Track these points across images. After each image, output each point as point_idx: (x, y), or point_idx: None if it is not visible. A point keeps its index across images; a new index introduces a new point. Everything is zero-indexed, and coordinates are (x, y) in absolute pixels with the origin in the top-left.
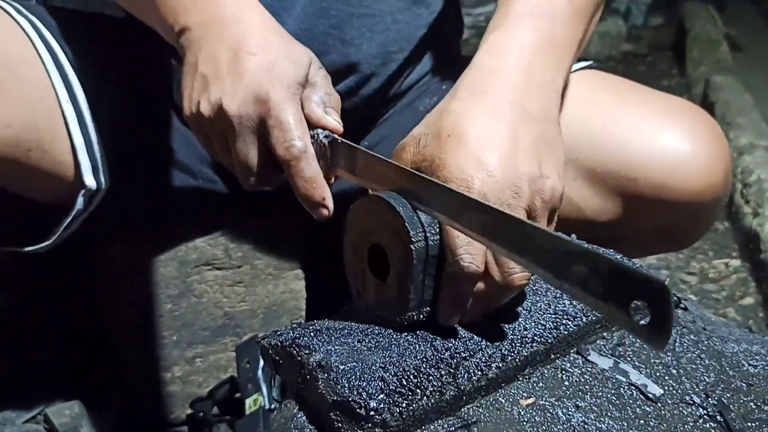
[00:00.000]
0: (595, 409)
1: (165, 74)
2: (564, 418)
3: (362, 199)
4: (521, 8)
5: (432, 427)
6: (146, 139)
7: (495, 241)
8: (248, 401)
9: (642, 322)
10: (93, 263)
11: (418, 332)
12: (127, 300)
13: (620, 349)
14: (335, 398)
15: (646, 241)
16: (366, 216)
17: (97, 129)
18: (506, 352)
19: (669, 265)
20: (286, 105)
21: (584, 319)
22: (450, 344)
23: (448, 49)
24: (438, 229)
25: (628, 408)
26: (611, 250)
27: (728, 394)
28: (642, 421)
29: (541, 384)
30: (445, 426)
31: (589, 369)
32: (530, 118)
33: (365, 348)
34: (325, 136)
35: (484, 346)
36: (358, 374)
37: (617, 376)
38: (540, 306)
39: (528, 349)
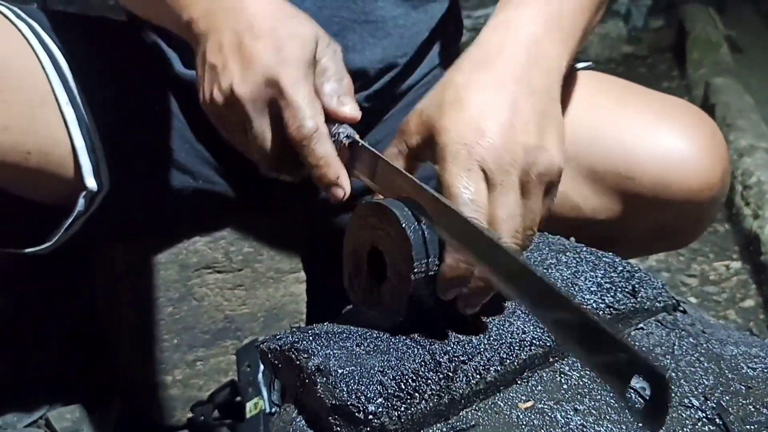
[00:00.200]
0: (594, 412)
1: (165, 76)
2: (563, 421)
3: (370, 204)
4: None
5: (430, 430)
6: (146, 140)
7: (499, 279)
8: (249, 405)
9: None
10: (93, 265)
11: (416, 336)
12: (128, 303)
13: None
14: (334, 402)
15: (645, 239)
16: (372, 221)
17: (97, 130)
18: (505, 356)
19: (669, 267)
20: (298, 85)
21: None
22: (448, 348)
23: (449, 50)
24: (439, 251)
25: (626, 411)
26: (610, 253)
27: (727, 397)
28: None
29: (539, 387)
30: (444, 430)
31: (588, 372)
32: (533, 93)
33: (364, 352)
34: (346, 137)
35: (482, 350)
36: (356, 378)
37: None
38: None
39: (526, 352)
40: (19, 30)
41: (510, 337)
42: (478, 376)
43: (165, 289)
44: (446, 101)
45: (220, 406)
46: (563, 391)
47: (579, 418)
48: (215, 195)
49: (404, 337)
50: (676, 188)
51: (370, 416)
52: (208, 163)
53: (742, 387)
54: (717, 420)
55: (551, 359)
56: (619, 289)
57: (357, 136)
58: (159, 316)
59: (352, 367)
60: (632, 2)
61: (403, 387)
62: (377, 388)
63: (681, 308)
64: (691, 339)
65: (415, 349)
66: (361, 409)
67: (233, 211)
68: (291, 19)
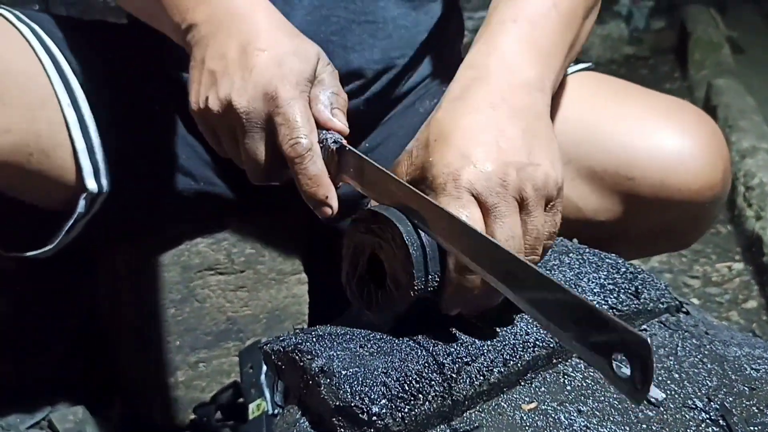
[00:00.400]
0: (598, 413)
1: (166, 78)
2: (566, 422)
3: (373, 211)
4: (502, 17)
5: None
6: (147, 142)
7: (488, 272)
8: (251, 406)
9: (623, 372)
10: (95, 268)
11: (420, 337)
12: (129, 304)
13: None
14: (338, 403)
15: (645, 240)
16: (374, 228)
17: (98, 133)
18: (508, 357)
19: (672, 268)
20: (294, 102)
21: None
22: (452, 349)
23: (449, 51)
24: (439, 257)
25: (630, 412)
26: (613, 255)
27: (731, 398)
28: (644, 426)
29: (543, 388)
30: (447, 431)
31: (591, 373)
32: (515, 114)
33: (367, 353)
34: (333, 142)
35: (485, 351)
36: (360, 379)
37: None
38: None
39: (530, 353)
40: (21, 33)
41: (513, 339)
42: (481, 378)
43: (167, 290)
44: (431, 139)
45: (222, 408)
46: (567, 393)
47: (582, 419)
48: (216, 196)
49: (407, 339)
50: (677, 189)
51: (374, 417)
52: (208, 165)
53: (746, 388)
54: (720, 421)
55: (554, 361)
56: (623, 291)
57: (344, 141)
58: (161, 317)
59: (356, 369)
60: (634, 3)
61: (407, 388)
62: (381, 390)
63: (684, 309)
64: (694, 340)
65: (419, 351)
66: (365, 410)
67: (234, 212)
68: (295, 36)
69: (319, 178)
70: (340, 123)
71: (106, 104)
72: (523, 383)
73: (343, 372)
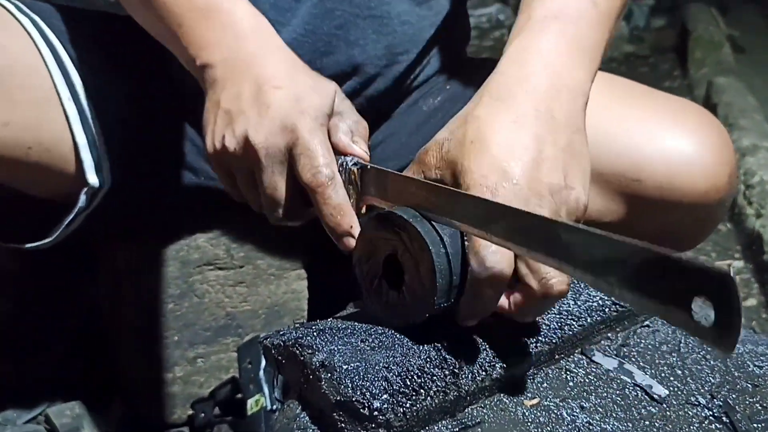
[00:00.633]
0: (600, 410)
1: (168, 72)
2: (569, 419)
3: (400, 217)
4: (545, 12)
5: (436, 427)
6: (149, 136)
7: (527, 245)
8: (250, 402)
9: (704, 322)
10: (95, 262)
11: (421, 332)
12: (129, 299)
13: (625, 349)
14: (338, 398)
15: (650, 242)
16: (379, 232)
17: (99, 126)
18: (510, 352)
19: None
20: (314, 133)
21: (589, 320)
22: (454, 344)
23: (455, 50)
24: (460, 240)
25: (633, 409)
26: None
27: (734, 395)
28: (647, 422)
29: (545, 384)
30: (449, 427)
31: (594, 369)
32: (556, 127)
33: (368, 348)
34: (354, 164)
35: (488, 347)
36: (361, 374)
37: (622, 376)
38: None
39: (532, 348)
40: (22, 24)
41: (516, 334)
42: (483, 373)
43: (166, 285)
44: (468, 139)
45: (220, 404)
46: (569, 389)
47: (585, 415)
48: (217, 191)
49: (409, 333)
50: (683, 190)
51: (376, 412)
52: None
53: (749, 385)
54: (724, 418)
55: (557, 356)
56: None
57: (363, 161)
58: (160, 312)
59: (357, 363)
60: (634, 2)
61: (409, 383)
62: (382, 384)
63: None
64: None
65: (421, 345)
66: (366, 405)
67: (236, 209)
68: (311, 74)
69: (342, 208)
70: (361, 150)
71: (108, 98)
72: (525, 379)
73: (345, 367)
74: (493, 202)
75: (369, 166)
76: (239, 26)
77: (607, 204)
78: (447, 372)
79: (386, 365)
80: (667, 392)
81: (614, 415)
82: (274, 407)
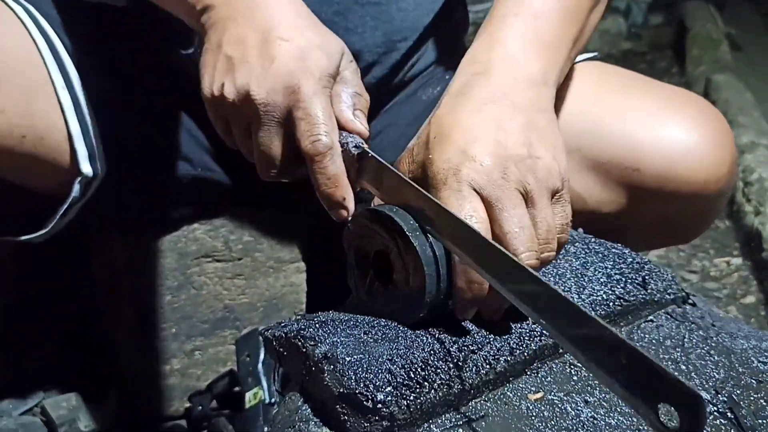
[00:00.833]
0: (605, 404)
1: (165, 62)
2: (573, 413)
3: (368, 211)
4: (505, 11)
5: (439, 420)
6: (144, 126)
7: (506, 290)
8: (248, 395)
9: (671, 424)
10: (92, 255)
11: (425, 324)
12: (126, 291)
13: None
14: (341, 390)
15: (648, 233)
16: (372, 228)
17: (93, 116)
18: (514, 346)
19: (670, 263)
20: (317, 98)
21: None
22: (458, 337)
23: (454, 40)
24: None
25: None
26: (619, 245)
27: (738, 391)
28: None
29: (549, 378)
30: (453, 420)
31: None
32: (514, 109)
33: (372, 340)
34: (355, 147)
35: (492, 339)
36: (365, 366)
37: None
38: None
39: (536, 342)
40: (16, 14)
41: (520, 327)
42: (487, 366)
43: (164, 277)
44: (431, 136)
45: (218, 396)
46: (573, 383)
47: (589, 409)
48: (214, 183)
49: (413, 325)
50: (682, 181)
51: (379, 405)
52: (207, 151)
53: (753, 381)
54: (728, 414)
55: (561, 350)
56: (629, 281)
57: (366, 146)
58: (157, 305)
59: (360, 355)
60: None
61: (413, 376)
62: (386, 377)
63: (690, 301)
64: (701, 332)
65: (424, 338)
66: (370, 397)
67: (232, 200)
68: (319, 29)
69: (338, 179)
70: (362, 125)
71: (103, 88)
72: (529, 373)
73: (348, 359)
74: (467, 226)
75: (369, 154)
76: None
77: (607, 194)
78: (451, 365)
79: (390, 357)
80: None
81: (618, 409)
82: (273, 401)
